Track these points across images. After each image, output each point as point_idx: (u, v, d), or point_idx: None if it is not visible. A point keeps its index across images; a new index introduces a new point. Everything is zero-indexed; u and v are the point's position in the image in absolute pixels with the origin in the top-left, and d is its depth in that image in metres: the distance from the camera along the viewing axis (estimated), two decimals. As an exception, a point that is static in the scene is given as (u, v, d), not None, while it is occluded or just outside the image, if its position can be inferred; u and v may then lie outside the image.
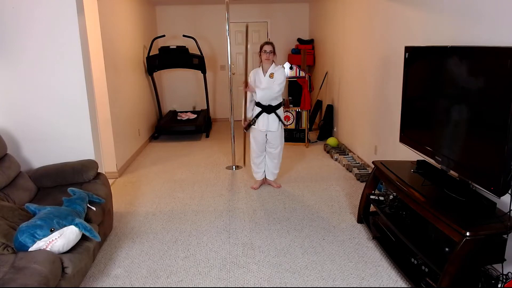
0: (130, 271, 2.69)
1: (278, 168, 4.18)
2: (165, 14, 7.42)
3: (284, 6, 7.56)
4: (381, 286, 2.48)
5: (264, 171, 4.18)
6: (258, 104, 3.92)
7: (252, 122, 3.95)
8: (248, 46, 7.62)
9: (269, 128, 3.91)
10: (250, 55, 7.68)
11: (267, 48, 3.80)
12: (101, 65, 4.30)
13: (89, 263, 2.45)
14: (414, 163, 2.95)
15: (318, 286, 2.49)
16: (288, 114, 5.79)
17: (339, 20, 5.69)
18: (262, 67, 3.90)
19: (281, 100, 3.97)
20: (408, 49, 2.98)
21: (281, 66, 3.92)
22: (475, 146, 2.23)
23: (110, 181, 3.96)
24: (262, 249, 2.95)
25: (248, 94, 3.98)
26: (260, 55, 3.87)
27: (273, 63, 3.88)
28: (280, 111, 3.97)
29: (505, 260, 2.09)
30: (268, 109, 3.89)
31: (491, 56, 2.10)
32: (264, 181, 4.24)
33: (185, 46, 6.50)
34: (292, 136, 5.85)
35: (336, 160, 5.05)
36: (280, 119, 3.95)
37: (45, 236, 2.14)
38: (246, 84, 3.90)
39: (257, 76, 3.90)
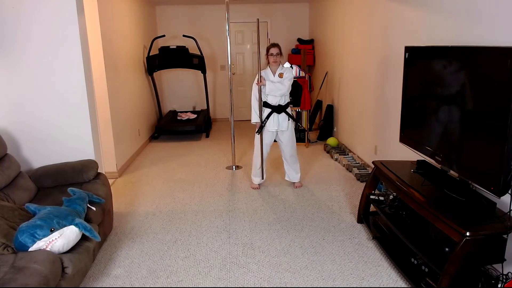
0: (130, 271, 2.69)
1: (299, 170, 4.20)
2: (165, 14, 7.41)
3: (284, 6, 7.56)
4: (381, 286, 2.48)
5: (263, 175, 4.21)
6: (266, 105, 3.95)
7: (264, 123, 3.97)
8: (248, 46, 7.66)
9: (280, 127, 3.95)
10: (249, 55, 7.72)
11: (274, 51, 3.85)
12: (101, 65, 4.30)
13: (89, 263, 2.44)
14: (414, 163, 2.95)
15: (318, 286, 2.49)
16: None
17: (339, 20, 5.69)
18: (270, 69, 3.94)
19: (289, 100, 4.03)
20: (408, 49, 2.98)
21: (289, 66, 3.95)
22: (475, 146, 2.23)
23: (110, 181, 3.96)
24: (262, 249, 2.95)
25: (257, 94, 3.95)
26: (267, 57, 3.91)
27: (280, 64, 3.94)
28: (289, 110, 4.01)
29: (505, 260, 2.09)
30: (278, 108, 3.93)
31: (491, 56, 2.10)
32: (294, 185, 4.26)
33: (185, 46, 6.50)
34: (292, 136, 5.85)
35: (336, 160, 5.05)
36: (290, 117, 3.99)
37: (45, 236, 2.14)
38: (260, 79, 3.90)
39: (266, 76, 3.94)
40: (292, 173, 4.17)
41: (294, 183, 4.21)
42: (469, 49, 2.33)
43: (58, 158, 3.25)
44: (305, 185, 4.22)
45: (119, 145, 4.72)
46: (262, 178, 4.22)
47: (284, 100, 3.96)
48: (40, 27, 3.10)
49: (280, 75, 3.90)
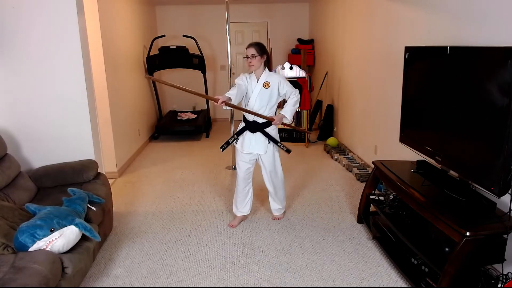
0: (130, 271, 2.69)
1: (283, 202, 3.39)
2: (165, 14, 7.42)
3: (284, 6, 7.56)
4: (381, 286, 2.48)
5: (248, 207, 3.34)
6: (243, 118, 3.15)
7: (231, 139, 3.17)
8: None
9: (252, 150, 3.09)
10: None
11: (248, 51, 2.98)
12: (101, 65, 4.30)
13: (89, 263, 2.44)
14: (414, 163, 2.95)
15: (318, 286, 2.49)
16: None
17: (339, 20, 5.69)
18: (254, 74, 3.06)
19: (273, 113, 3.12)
20: (408, 49, 2.97)
21: (275, 72, 3.15)
22: (475, 146, 2.23)
23: (110, 181, 3.95)
24: (262, 249, 2.95)
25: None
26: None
27: (265, 69, 3.05)
28: (272, 128, 3.11)
29: (505, 260, 2.09)
30: (253, 126, 3.07)
31: (491, 56, 2.10)
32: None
33: (185, 46, 6.51)
34: (292, 136, 5.86)
35: (336, 160, 5.05)
36: (270, 139, 3.10)
37: (45, 236, 2.14)
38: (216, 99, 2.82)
39: (249, 83, 3.05)
40: (272, 203, 3.39)
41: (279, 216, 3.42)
42: (469, 49, 2.33)
43: (58, 158, 3.25)
44: (305, 185, 4.22)
45: (119, 145, 4.71)
46: (244, 211, 3.32)
47: (266, 114, 3.05)
48: (40, 27, 3.10)
49: (266, 85, 3.01)
